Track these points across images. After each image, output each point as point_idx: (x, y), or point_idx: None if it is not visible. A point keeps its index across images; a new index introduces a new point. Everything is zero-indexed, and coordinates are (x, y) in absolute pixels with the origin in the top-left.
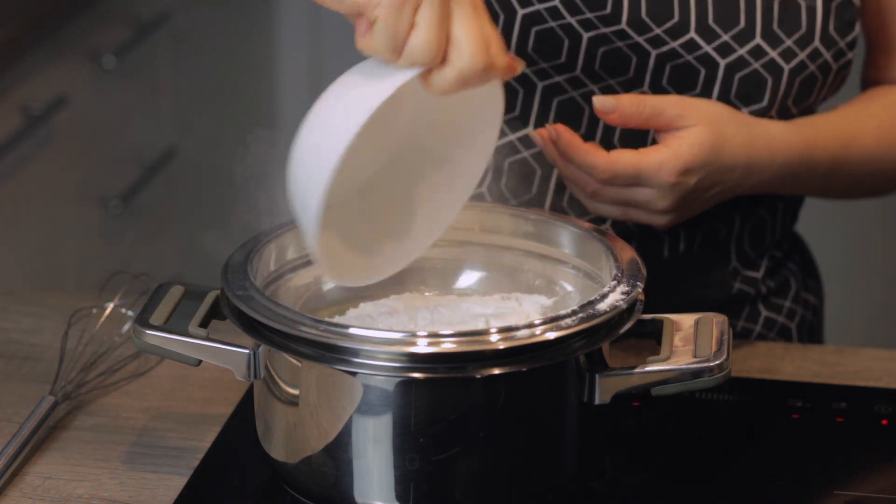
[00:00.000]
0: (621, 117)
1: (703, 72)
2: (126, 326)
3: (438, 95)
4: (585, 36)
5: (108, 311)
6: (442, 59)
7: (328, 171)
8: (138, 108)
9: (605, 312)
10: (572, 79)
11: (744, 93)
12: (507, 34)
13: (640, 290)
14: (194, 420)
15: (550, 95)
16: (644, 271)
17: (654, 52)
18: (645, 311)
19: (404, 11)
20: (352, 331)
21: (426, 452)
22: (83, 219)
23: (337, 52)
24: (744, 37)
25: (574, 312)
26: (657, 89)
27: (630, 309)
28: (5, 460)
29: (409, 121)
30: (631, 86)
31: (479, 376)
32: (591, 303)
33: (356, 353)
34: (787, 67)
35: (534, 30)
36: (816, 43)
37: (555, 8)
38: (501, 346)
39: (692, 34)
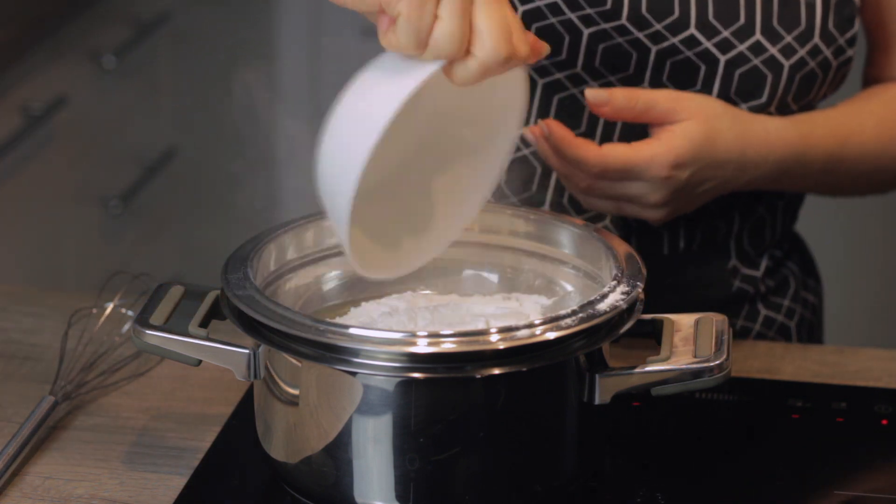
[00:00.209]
0: (614, 110)
1: (703, 68)
2: (126, 326)
3: (462, 86)
4: (586, 32)
5: (108, 311)
6: (465, 50)
7: (358, 165)
8: (138, 108)
9: (605, 312)
10: (573, 76)
11: (743, 89)
12: None
13: (640, 290)
14: (194, 420)
15: (551, 92)
16: (644, 271)
17: (654, 49)
18: (644, 310)
19: (427, 5)
20: (352, 331)
21: (426, 452)
22: (83, 219)
23: (337, 52)
24: (743, 33)
25: (574, 312)
26: (657, 86)
27: (630, 309)
28: (5, 460)
29: (432, 112)
30: (631, 82)
31: (479, 376)
32: (591, 303)
33: (356, 353)
34: (786, 64)
35: (534, 26)
36: (816, 39)
37: (555, 4)
38: (501, 346)
39: (692, 30)
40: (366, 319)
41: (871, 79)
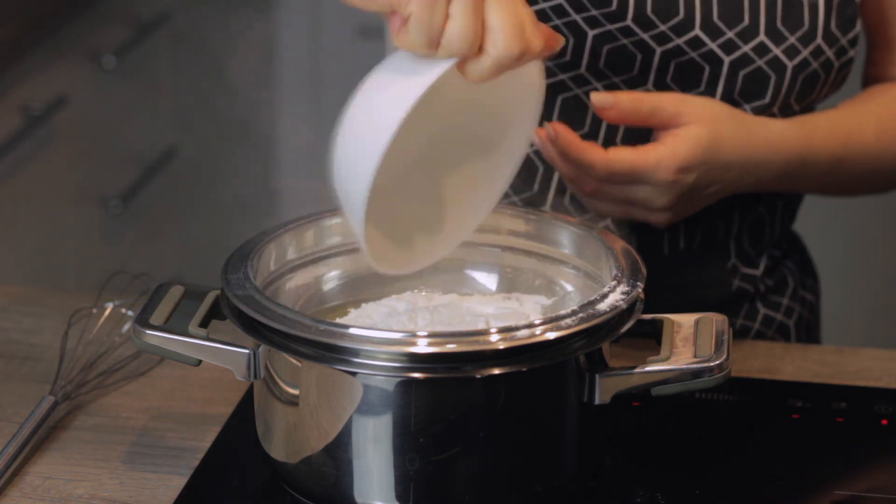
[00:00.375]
0: (619, 114)
1: (707, 69)
2: (126, 326)
3: (476, 83)
4: (590, 33)
5: (108, 311)
6: (478, 47)
7: (374, 161)
8: (138, 108)
9: (605, 312)
10: (576, 77)
11: (747, 90)
12: None
13: (640, 290)
14: (194, 420)
15: (554, 93)
16: (644, 271)
17: (658, 50)
18: (644, 310)
19: (438, 4)
20: (352, 331)
21: (426, 452)
22: (83, 219)
23: (337, 52)
24: (748, 34)
25: (574, 312)
26: (661, 87)
27: (630, 309)
28: (5, 460)
29: (447, 108)
30: (635, 83)
31: (479, 376)
32: (591, 303)
33: (356, 353)
34: (790, 65)
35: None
36: (819, 40)
37: (560, 6)
38: (501, 346)
39: (697, 31)
40: (366, 320)
41: (871, 78)
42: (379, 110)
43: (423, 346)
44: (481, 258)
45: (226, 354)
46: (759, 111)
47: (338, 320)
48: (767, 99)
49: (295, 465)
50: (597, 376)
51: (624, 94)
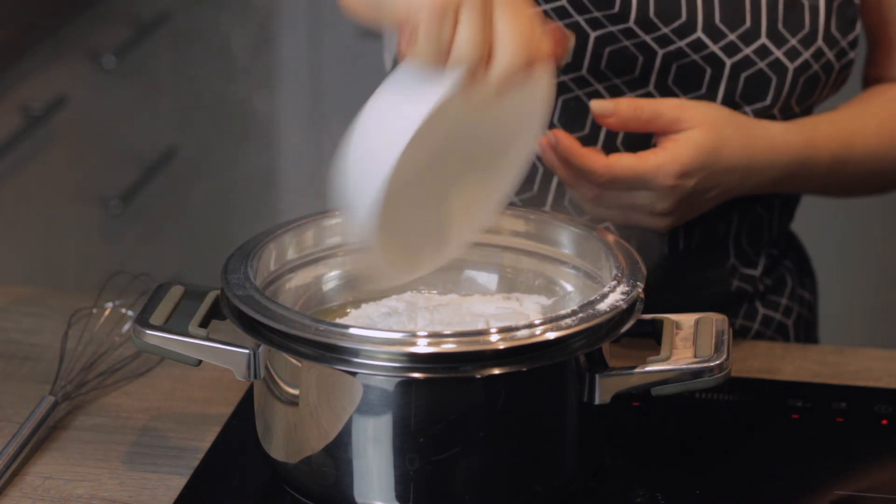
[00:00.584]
0: (619, 121)
1: (708, 71)
2: (126, 326)
3: (487, 94)
4: (592, 35)
5: (108, 311)
6: (488, 55)
7: (384, 173)
8: (138, 108)
9: (605, 312)
10: (578, 78)
11: (748, 92)
12: None
13: (640, 290)
14: (194, 420)
15: (556, 95)
16: (644, 271)
17: (660, 52)
18: (644, 310)
19: (446, 15)
20: (352, 331)
21: (426, 452)
22: (83, 219)
23: (337, 52)
24: (750, 36)
25: (574, 312)
26: (662, 89)
27: (630, 309)
28: (5, 460)
29: (454, 120)
30: (636, 86)
31: (479, 376)
32: (591, 303)
33: (356, 353)
34: (791, 67)
35: None
36: (820, 42)
37: (562, 7)
38: (501, 346)
39: (699, 33)
40: (366, 320)
41: (871, 79)
42: (390, 124)
43: (423, 346)
44: (481, 258)
45: (226, 354)
46: (760, 113)
47: (338, 320)
48: (768, 101)
49: (295, 465)
50: (597, 376)
51: (624, 101)
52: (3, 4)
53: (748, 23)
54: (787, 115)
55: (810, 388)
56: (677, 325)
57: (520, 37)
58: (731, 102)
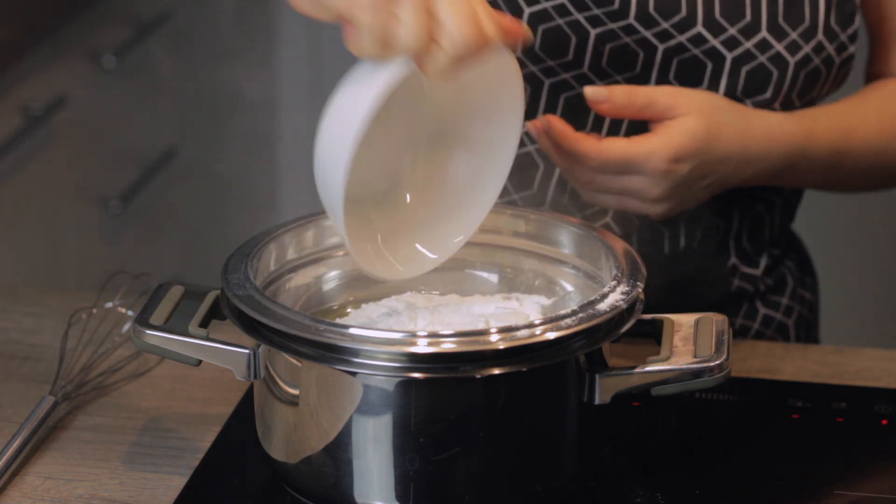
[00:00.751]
0: (613, 108)
1: (709, 66)
2: (126, 326)
3: (439, 80)
4: (593, 32)
5: (107, 312)
6: (433, 43)
7: (343, 168)
8: (138, 108)
9: (605, 312)
10: (579, 76)
11: (750, 87)
12: None
13: (640, 290)
14: (194, 420)
15: (557, 92)
16: (644, 271)
17: (661, 47)
18: (644, 309)
19: (383, 8)
20: (352, 331)
21: (426, 452)
22: (83, 219)
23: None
24: (750, 30)
25: (574, 312)
26: (663, 84)
27: (630, 309)
28: (5, 460)
29: (432, 113)
30: (638, 82)
31: (479, 376)
32: (591, 303)
33: (356, 353)
34: (792, 60)
35: (541, 28)
36: (820, 36)
37: (562, 5)
38: (501, 346)
39: (699, 28)
40: (366, 320)
41: (873, 76)
42: (343, 120)
43: (423, 346)
44: (481, 258)
45: (226, 354)
46: (761, 107)
47: (338, 320)
48: (769, 95)
49: (295, 465)
50: (597, 376)
51: (618, 88)
52: (3, 4)
53: (748, 17)
54: (789, 109)
55: (810, 388)
56: (677, 325)
57: (461, 19)
58: (732, 97)
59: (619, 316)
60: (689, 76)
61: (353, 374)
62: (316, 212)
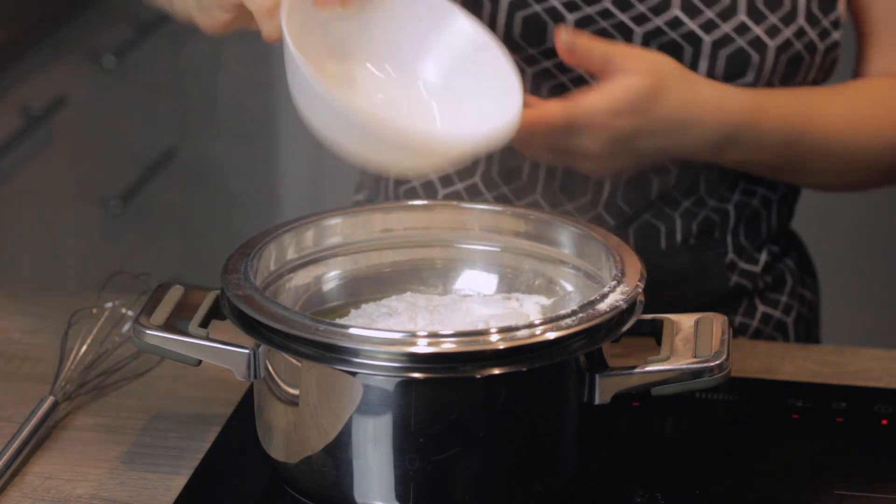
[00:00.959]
0: (573, 59)
1: (688, 50)
2: (126, 326)
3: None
4: (570, 17)
5: (107, 312)
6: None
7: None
8: (138, 108)
9: (605, 312)
10: (560, 63)
11: (729, 70)
12: (492, 21)
13: (640, 290)
14: (194, 420)
15: (540, 82)
16: (644, 271)
17: (639, 31)
18: (643, 307)
19: None
20: (352, 331)
21: (426, 452)
22: (83, 219)
23: None
24: (727, 13)
25: (574, 312)
26: None
27: (630, 309)
28: (5, 460)
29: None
30: None
31: (479, 376)
32: (591, 303)
33: (356, 353)
34: (772, 44)
35: (518, 15)
36: (801, 20)
37: None
38: (501, 346)
39: (676, 11)
40: (366, 320)
41: (859, 75)
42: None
43: (422, 346)
44: (481, 258)
45: (226, 354)
46: None
47: (338, 320)
48: (751, 79)
49: (295, 465)
50: (597, 376)
51: (583, 38)
52: (3, 4)
53: (726, 0)
54: None
55: (810, 388)
56: (677, 325)
57: None
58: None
59: (619, 316)
60: None
61: (353, 374)
62: (316, 212)
